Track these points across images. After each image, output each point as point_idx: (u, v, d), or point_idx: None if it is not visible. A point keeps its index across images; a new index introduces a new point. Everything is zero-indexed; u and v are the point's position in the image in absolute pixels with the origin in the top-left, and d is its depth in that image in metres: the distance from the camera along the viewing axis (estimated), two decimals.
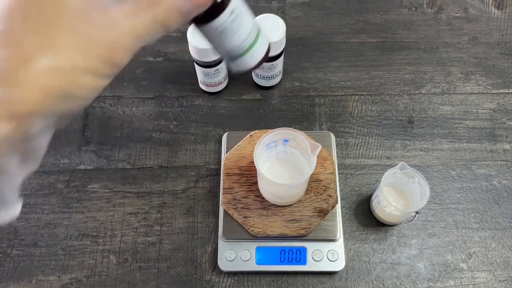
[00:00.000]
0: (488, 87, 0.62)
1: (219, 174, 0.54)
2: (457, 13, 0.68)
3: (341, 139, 0.58)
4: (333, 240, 0.50)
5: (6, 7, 0.18)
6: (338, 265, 0.49)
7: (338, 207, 0.52)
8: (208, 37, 0.26)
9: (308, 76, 0.63)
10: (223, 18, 0.25)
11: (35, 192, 0.55)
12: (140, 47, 0.21)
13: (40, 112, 0.18)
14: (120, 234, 0.53)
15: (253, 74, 0.61)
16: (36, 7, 0.18)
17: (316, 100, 0.61)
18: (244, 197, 0.50)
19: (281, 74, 0.61)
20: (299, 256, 0.49)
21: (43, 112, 0.18)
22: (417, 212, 0.53)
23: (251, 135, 0.54)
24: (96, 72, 0.19)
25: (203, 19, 0.25)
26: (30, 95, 0.18)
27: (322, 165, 0.52)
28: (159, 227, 0.53)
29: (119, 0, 0.20)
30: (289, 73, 0.63)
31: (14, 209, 0.22)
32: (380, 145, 0.58)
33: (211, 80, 0.58)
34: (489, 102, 0.61)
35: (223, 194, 0.51)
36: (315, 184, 0.51)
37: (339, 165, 0.56)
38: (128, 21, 0.20)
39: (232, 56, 0.28)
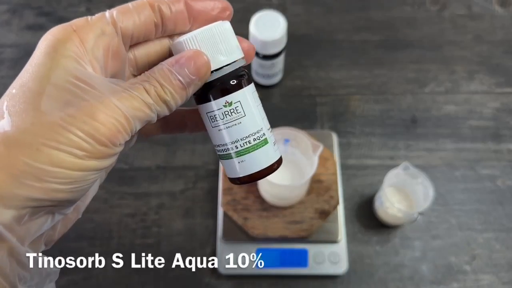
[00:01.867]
0: (492, 86, 0.61)
1: (218, 175, 0.53)
2: (460, 11, 0.67)
3: (343, 139, 0.57)
4: (335, 242, 0.49)
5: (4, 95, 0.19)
6: (340, 267, 0.48)
7: (340, 208, 0.51)
8: (204, 118, 0.23)
9: (309, 74, 0.62)
10: (217, 104, 0.22)
11: None
12: (143, 124, 0.21)
13: (10, 198, 0.18)
14: (118, 235, 0.52)
15: (253, 72, 0.60)
16: (17, 90, 0.19)
17: (318, 99, 0.60)
18: (244, 198, 0.49)
19: (281, 73, 0.60)
20: (300, 258, 0.48)
21: (15, 197, 0.18)
22: (420, 213, 0.52)
23: None
24: (75, 148, 0.18)
25: (201, 96, 0.22)
26: None
27: (324, 166, 0.51)
28: (157, 229, 0.52)
29: (122, 81, 0.20)
30: (290, 71, 0.62)
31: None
32: (382, 145, 0.57)
33: None
34: (493, 101, 0.60)
35: (222, 195, 0.50)
36: (316, 185, 0.50)
37: (341, 166, 0.55)
38: (121, 99, 0.19)
39: (221, 152, 0.23)
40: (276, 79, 0.60)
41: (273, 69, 0.57)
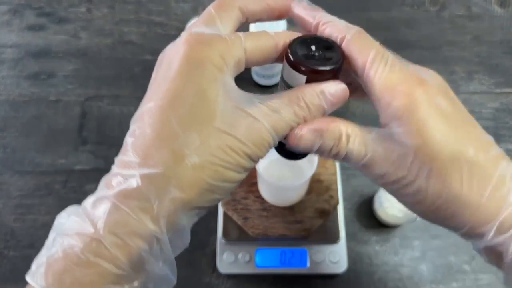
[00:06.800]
0: (491, 86, 0.61)
1: None
2: (460, 12, 0.67)
3: None
4: (334, 242, 0.49)
5: (158, 109, 0.21)
6: (340, 267, 0.48)
7: (340, 208, 0.51)
8: None
9: None
10: None
11: (32, 193, 0.54)
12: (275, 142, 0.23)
13: (190, 206, 0.21)
14: None
15: (253, 73, 0.60)
16: (187, 110, 0.21)
17: None
18: (244, 198, 0.50)
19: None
20: (300, 258, 0.48)
21: (192, 206, 0.21)
22: None
23: None
24: (239, 167, 0.22)
25: None
26: (185, 191, 0.20)
27: (324, 165, 0.51)
28: None
29: (262, 99, 0.23)
30: None
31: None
32: None
33: None
34: (493, 101, 0.60)
35: None
36: (316, 184, 0.50)
37: (341, 165, 0.55)
38: (268, 120, 0.22)
39: None
40: (276, 79, 0.60)
41: (273, 69, 0.57)
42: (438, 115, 0.22)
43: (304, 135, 0.23)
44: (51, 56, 0.63)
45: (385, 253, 0.51)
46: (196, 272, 0.50)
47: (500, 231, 0.22)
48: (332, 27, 0.24)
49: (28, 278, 0.20)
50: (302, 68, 0.23)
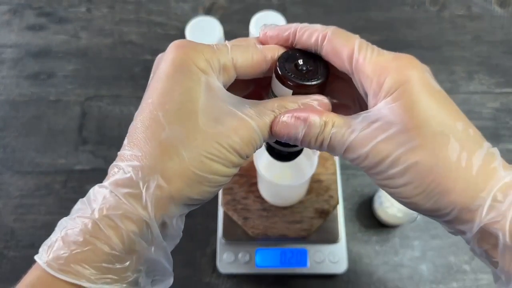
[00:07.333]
0: (491, 86, 0.61)
1: None
2: (460, 12, 0.67)
3: None
4: (334, 242, 0.49)
5: (148, 106, 0.23)
6: (340, 267, 0.48)
7: (340, 208, 0.51)
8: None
9: None
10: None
11: (32, 193, 0.54)
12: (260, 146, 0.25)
13: (179, 196, 0.22)
14: None
15: None
16: (173, 106, 0.22)
17: None
18: (244, 198, 0.50)
19: None
20: (300, 258, 0.48)
21: (182, 195, 0.22)
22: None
23: None
24: (227, 161, 0.23)
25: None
26: (171, 180, 0.22)
27: (324, 166, 0.51)
28: None
29: (250, 104, 0.24)
30: None
31: (169, 281, 0.25)
32: None
33: None
34: (493, 101, 0.60)
35: (222, 194, 0.50)
36: (316, 184, 0.50)
37: (341, 165, 0.55)
38: (254, 120, 0.23)
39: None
40: None
41: None
42: (429, 91, 0.23)
43: (286, 121, 0.24)
44: (51, 56, 0.63)
45: (385, 253, 0.51)
46: (196, 272, 0.50)
47: (494, 205, 0.22)
48: (310, 29, 0.25)
49: (36, 257, 0.22)
50: (289, 83, 0.24)
